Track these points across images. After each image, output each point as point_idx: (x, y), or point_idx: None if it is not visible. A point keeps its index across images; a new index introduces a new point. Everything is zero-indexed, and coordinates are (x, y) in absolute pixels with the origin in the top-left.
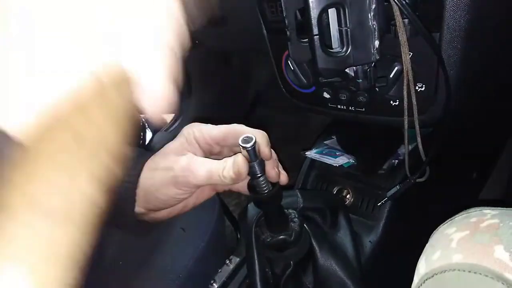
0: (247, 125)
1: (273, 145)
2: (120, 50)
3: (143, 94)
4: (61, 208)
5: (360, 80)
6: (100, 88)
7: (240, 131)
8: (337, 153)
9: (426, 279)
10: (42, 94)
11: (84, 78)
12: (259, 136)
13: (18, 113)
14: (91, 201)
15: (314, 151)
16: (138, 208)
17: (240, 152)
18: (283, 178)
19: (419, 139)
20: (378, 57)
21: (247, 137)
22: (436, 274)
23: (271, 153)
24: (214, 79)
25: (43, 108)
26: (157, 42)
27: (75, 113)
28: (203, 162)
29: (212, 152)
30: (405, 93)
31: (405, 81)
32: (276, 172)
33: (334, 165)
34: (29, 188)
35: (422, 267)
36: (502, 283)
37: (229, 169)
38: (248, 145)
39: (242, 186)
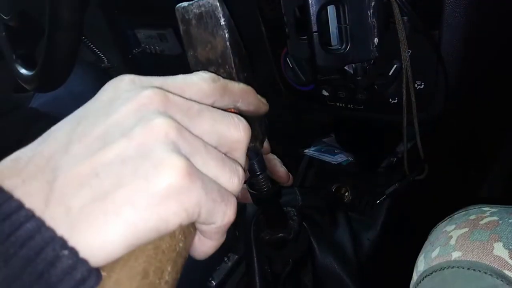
0: None
1: (271, 143)
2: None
3: (198, 244)
4: None
5: (359, 78)
6: (177, 238)
7: None
8: (335, 151)
9: (425, 276)
10: (139, 227)
11: (173, 226)
12: None
13: (110, 239)
14: None
15: (312, 149)
16: None
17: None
18: (291, 178)
19: (418, 137)
20: (377, 55)
21: None
22: (435, 272)
23: (269, 147)
24: None
25: (132, 239)
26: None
27: (150, 251)
28: None
29: None
30: (404, 90)
31: (404, 78)
32: (285, 170)
33: (333, 163)
34: None
35: (421, 264)
36: (501, 280)
37: None
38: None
39: (241, 194)
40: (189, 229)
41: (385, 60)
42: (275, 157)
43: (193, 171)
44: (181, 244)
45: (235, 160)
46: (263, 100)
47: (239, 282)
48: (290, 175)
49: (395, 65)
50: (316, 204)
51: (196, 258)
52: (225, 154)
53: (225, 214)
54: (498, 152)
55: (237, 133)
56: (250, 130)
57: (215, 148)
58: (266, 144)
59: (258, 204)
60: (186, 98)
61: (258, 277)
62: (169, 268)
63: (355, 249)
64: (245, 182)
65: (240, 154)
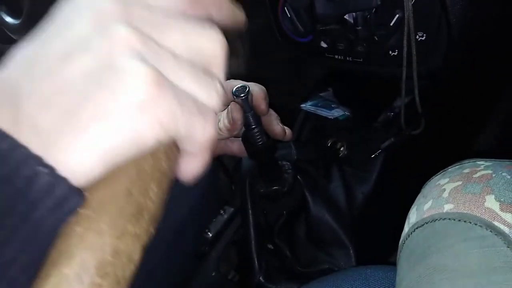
0: (240, 78)
1: (268, 99)
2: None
3: (184, 164)
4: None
5: (360, 28)
6: (158, 156)
7: (236, 86)
8: (332, 105)
9: (416, 228)
10: (112, 142)
11: (149, 142)
12: (256, 90)
13: (85, 156)
14: (129, 258)
15: (309, 103)
16: None
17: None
18: (288, 133)
19: (416, 91)
20: (379, 3)
21: (241, 87)
22: (427, 223)
23: (267, 109)
24: None
25: (108, 156)
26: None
27: (131, 171)
28: None
29: None
30: (405, 42)
31: (405, 29)
32: (281, 127)
33: (329, 117)
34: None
35: (413, 216)
36: (490, 231)
37: (224, 121)
38: (241, 95)
39: (238, 149)
40: (172, 149)
41: (386, 10)
42: (273, 113)
43: (162, 80)
44: (164, 164)
45: (212, 75)
46: (239, 10)
47: (234, 234)
48: (288, 130)
49: (397, 15)
50: (311, 158)
51: (185, 179)
52: (201, 70)
53: (205, 129)
54: (494, 107)
55: (211, 44)
56: (226, 42)
57: (189, 62)
58: (264, 105)
59: (253, 157)
60: (152, 6)
61: (252, 228)
62: (153, 187)
63: (348, 202)
64: (238, 136)
65: (218, 70)
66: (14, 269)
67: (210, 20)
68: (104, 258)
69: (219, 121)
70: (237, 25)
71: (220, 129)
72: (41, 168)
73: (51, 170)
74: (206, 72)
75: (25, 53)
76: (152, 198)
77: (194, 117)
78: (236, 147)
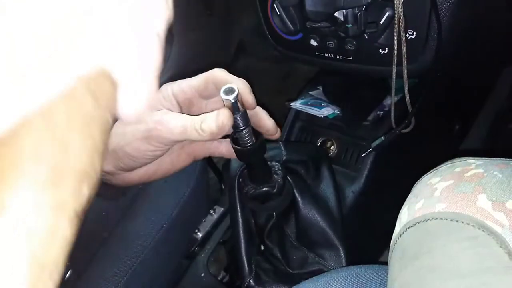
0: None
1: (257, 96)
2: (101, 45)
3: (123, 97)
4: None
5: (350, 25)
6: (80, 98)
7: (220, 77)
8: (322, 104)
9: (408, 228)
10: (15, 94)
11: (65, 83)
12: (241, 85)
13: None
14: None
15: (299, 102)
16: (108, 167)
17: (221, 107)
18: (278, 130)
19: (406, 89)
20: (369, 0)
21: (229, 88)
22: (418, 223)
23: (254, 102)
24: (195, 26)
25: (13, 110)
26: (144, 31)
27: (41, 123)
28: (178, 116)
29: (192, 109)
30: (395, 40)
31: (396, 27)
32: (272, 122)
33: (319, 116)
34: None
35: (404, 216)
36: (483, 231)
37: (210, 122)
38: (231, 97)
39: (226, 150)
40: (100, 83)
41: (377, 8)
42: (262, 109)
43: None
44: (89, 105)
45: None
46: None
47: (224, 234)
48: (278, 128)
49: (387, 13)
50: (301, 158)
51: (127, 118)
52: None
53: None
54: (483, 105)
55: None
56: None
57: None
58: (251, 99)
59: (242, 159)
60: None
61: (242, 231)
62: (75, 138)
63: (338, 202)
64: (227, 137)
65: None
66: None
67: None
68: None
69: (202, 121)
70: None
71: (203, 130)
72: None
73: None
74: None
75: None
76: (76, 152)
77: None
78: (225, 148)
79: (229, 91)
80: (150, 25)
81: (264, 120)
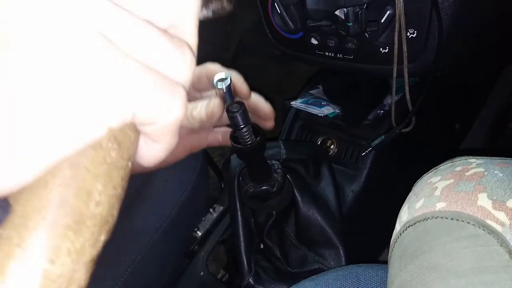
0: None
1: (256, 93)
2: (128, 96)
3: (144, 146)
4: None
5: (351, 24)
6: (106, 147)
7: (213, 70)
8: (322, 103)
9: (408, 227)
10: (44, 143)
11: (97, 133)
12: (233, 75)
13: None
14: (69, 282)
15: (299, 101)
16: None
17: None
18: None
19: (407, 88)
20: None
21: (222, 77)
22: (419, 222)
23: (249, 92)
24: None
25: (44, 153)
26: (168, 83)
27: (64, 171)
28: None
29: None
30: (396, 39)
31: (396, 26)
32: (269, 106)
33: (319, 115)
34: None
35: (405, 215)
36: (483, 230)
37: (200, 110)
38: (223, 85)
39: (223, 138)
40: (125, 132)
41: (377, 6)
42: (257, 95)
43: (112, 53)
44: (113, 154)
45: (179, 40)
46: None
47: (224, 233)
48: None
49: (388, 12)
50: (301, 157)
51: (146, 165)
52: (165, 32)
53: (170, 109)
54: (484, 104)
55: None
56: None
57: (150, 22)
58: (245, 89)
59: (242, 157)
60: None
61: (241, 229)
62: (99, 187)
63: (338, 201)
64: (221, 125)
65: (189, 29)
66: None
67: None
68: None
69: (194, 109)
70: None
71: (193, 117)
72: None
73: None
74: (173, 34)
75: None
76: (98, 199)
77: (155, 97)
78: (222, 136)
79: (222, 79)
80: (175, 78)
81: (260, 105)
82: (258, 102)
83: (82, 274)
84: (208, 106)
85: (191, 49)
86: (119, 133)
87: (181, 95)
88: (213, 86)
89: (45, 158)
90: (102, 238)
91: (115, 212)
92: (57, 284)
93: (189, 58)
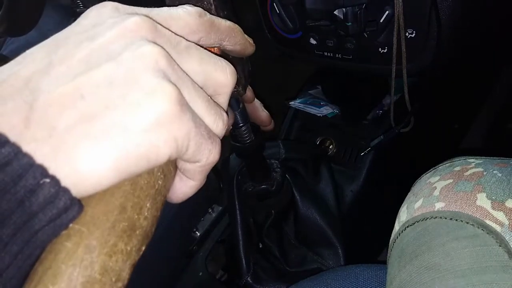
0: None
1: (256, 94)
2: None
3: (177, 181)
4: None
5: (350, 23)
6: (156, 175)
7: None
8: (321, 103)
9: (407, 227)
10: (127, 153)
11: (159, 161)
12: None
13: (97, 165)
14: (118, 277)
15: (298, 101)
16: None
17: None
18: (272, 122)
19: (406, 88)
20: None
21: None
22: (418, 222)
23: (253, 95)
24: None
25: (120, 167)
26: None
27: (127, 186)
28: None
29: None
30: (394, 39)
31: (395, 25)
32: (266, 113)
33: (318, 115)
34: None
35: (404, 215)
36: (482, 230)
37: None
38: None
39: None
40: (169, 167)
41: (376, 6)
42: (257, 100)
43: (184, 101)
44: (160, 182)
45: (218, 104)
46: (250, 40)
47: (223, 233)
48: (271, 119)
49: (387, 12)
50: (300, 157)
51: (174, 200)
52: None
53: (211, 152)
54: (483, 105)
55: (224, 76)
56: (236, 75)
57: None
58: (249, 93)
59: (241, 156)
60: (174, 30)
61: (240, 228)
62: (148, 205)
63: (337, 201)
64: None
65: (224, 99)
66: (1, 281)
67: (222, 48)
68: (92, 276)
69: None
70: (245, 54)
71: None
72: (44, 179)
73: (54, 180)
74: (213, 100)
75: (44, 51)
76: (146, 215)
77: (204, 140)
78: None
79: None
80: (215, 131)
81: (258, 112)
82: (256, 108)
83: (126, 274)
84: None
85: (225, 111)
86: (166, 166)
87: (219, 143)
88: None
89: (120, 171)
90: (143, 248)
91: (153, 230)
92: (110, 275)
93: (225, 119)
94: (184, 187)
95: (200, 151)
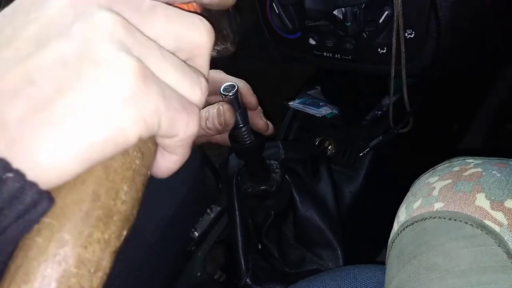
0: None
1: (255, 95)
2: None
3: (160, 157)
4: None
5: (349, 24)
6: (132, 154)
7: (219, 78)
8: (320, 104)
9: (406, 227)
10: (90, 139)
11: (129, 141)
12: (241, 85)
13: (59, 155)
14: (96, 267)
15: (297, 101)
16: None
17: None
18: (271, 128)
19: (405, 89)
20: None
21: (229, 85)
22: (416, 222)
23: (257, 102)
24: None
25: (84, 155)
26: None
27: (98, 171)
28: None
29: None
30: (394, 39)
31: (395, 26)
32: (264, 121)
33: (317, 115)
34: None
35: (402, 215)
36: (481, 230)
37: (213, 119)
38: (230, 94)
39: (222, 138)
40: (147, 145)
41: (376, 6)
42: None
43: (148, 74)
44: (137, 161)
45: (196, 69)
46: None
47: (221, 233)
48: (270, 124)
49: (386, 12)
50: (299, 157)
51: (159, 176)
52: (184, 62)
53: (188, 125)
54: (482, 105)
55: (198, 35)
56: (214, 33)
57: (173, 54)
58: (254, 100)
59: (241, 156)
60: None
61: (239, 229)
62: (125, 188)
63: (336, 202)
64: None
65: (203, 62)
66: None
67: (199, 2)
68: (67, 270)
69: (207, 120)
70: (226, 5)
71: (209, 128)
72: (8, 174)
73: (18, 174)
74: (190, 64)
75: None
76: (124, 199)
77: (177, 113)
78: (220, 136)
79: (229, 88)
80: (192, 99)
81: (256, 119)
82: (255, 115)
83: (107, 263)
84: (219, 117)
85: (204, 76)
86: (143, 144)
87: (197, 113)
88: (217, 93)
89: (86, 159)
90: (125, 233)
91: (135, 213)
92: (87, 267)
93: (204, 84)
94: (167, 163)
95: (175, 125)
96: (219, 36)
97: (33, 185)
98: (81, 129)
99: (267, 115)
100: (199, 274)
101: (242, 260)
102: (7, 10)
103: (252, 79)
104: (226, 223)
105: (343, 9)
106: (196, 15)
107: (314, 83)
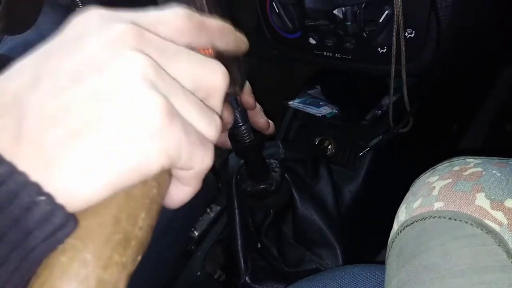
0: None
1: (256, 95)
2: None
3: (173, 188)
4: None
5: (349, 23)
6: (150, 184)
7: None
8: (320, 103)
9: (406, 226)
10: (118, 167)
11: (151, 171)
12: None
13: (88, 180)
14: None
15: (297, 101)
16: None
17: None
18: (272, 126)
19: (405, 88)
20: None
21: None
22: (416, 221)
23: (255, 102)
24: None
25: (112, 182)
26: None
27: (120, 197)
28: None
29: None
30: (394, 39)
31: (395, 25)
32: (265, 120)
33: (317, 115)
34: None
35: (402, 215)
36: (481, 229)
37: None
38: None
39: (220, 140)
40: (164, 176)
41: (376, 6)
42: (257, 105)
43: (173, 111)
44: (154, 191)
45: (212, 107)
46: (243, 38)
47: (221, 233)
48: (271, 123)
49: (386, 11)
50: (299, 157)
51: (171, 206)
52: (201, 101)
53: (204, 159)
54: (482, 105)
55: (214, 78)
56: (228, 76)
57: (192, 93)
58: (251, 100)
59: (240, 155)
60: (161, 37)
61: (239, 228)
62: (142, 215)
63: (336, 201)
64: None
65: (217, 102)
66: None
67: (214, 49)
68: None
69: None
70: (239, 52)
71: None
72: (39, 197)
73: (49, 198)
74: (206, 103)
75: (31, 65)
76: (141, 225)
77: (196, 147)
78: (220, 139)
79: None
80: (207, 135)
81: (257, 118)
82: (255, 114)
83: (122, 285)
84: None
85: (218, 115)
86: (161, 175)
87: (211, 148)
88: None
89: (112, 186)
90: (139, 258)
91: (149, 239)
92: None
93: (218, 122)
94: (180, 194)
95: (193, 158)
96: (230, 80)
97: (61, 208)
98: (111, 157)
99: (267, 115)
100: (199, 273)
101: (242, 259)
102: (48, 46)
103: (252, 79)
104: (225, 223)
105: (343, 8)
106: (215, 60)
107: (314, 83)
